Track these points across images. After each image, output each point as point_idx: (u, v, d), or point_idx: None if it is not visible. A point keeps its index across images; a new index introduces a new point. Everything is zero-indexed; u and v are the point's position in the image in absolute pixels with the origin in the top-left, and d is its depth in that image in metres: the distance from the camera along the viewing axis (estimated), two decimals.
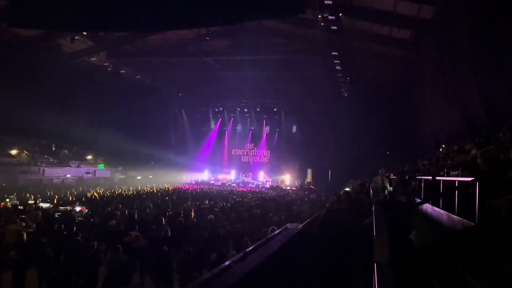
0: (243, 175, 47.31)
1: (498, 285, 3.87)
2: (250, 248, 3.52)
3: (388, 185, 10.65)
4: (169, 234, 11.44)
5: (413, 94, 27.26)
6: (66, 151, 36.16)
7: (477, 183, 5.37)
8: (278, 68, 32.91)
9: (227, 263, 2.97)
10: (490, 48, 12.63)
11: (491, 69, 12.85)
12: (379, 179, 10.56)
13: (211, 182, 46.21)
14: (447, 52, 17.28)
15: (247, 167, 48.73)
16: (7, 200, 19.05)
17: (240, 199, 23.60)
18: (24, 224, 11.85)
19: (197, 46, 31.71)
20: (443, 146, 18.02)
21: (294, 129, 46.64)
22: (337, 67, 29.40)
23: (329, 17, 21.66)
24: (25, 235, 10.29)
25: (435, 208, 8.12)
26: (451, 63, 16.79)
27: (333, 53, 26.37)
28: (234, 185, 43.26)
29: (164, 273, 9.31)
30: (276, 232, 4.80)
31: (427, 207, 9.01)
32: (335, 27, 22.55)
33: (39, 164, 31.94)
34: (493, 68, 12.64)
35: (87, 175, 36.58)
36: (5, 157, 30.15)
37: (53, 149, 35.34)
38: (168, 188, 31.92)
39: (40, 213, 14.67)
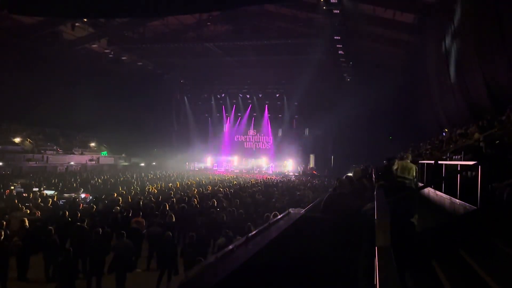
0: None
1: (500, 268, 3.89)
2: (253, 233, 3.55)
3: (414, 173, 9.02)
4: (174, 219, 11.53)
5: (416, 78, 27.05)
6: (62, 139, 36.21)
7: (480, 166, 5.36)
8: (280, 53, 32.67)
9: (229, 247, 2.99)
10: (494, 31, 12.47)
11: (495, 52, 12.71)
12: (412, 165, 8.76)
13: (214, 168, 46.40)
14: (450, 35, 17.07)
15: (250, 153, 48.82)
16: (12, 187, 19.22)
17: (244, 184, 23.69)
18: (28, 211, 11.97)
19: (199, 32, 31.46)
20: (446, 130, 17.96)
21: (296, 115, 46.41)
22: (340, 52, 29.14)
23: (332, 1, 21.38)
24: (26, 221, 10.40)
25: (438, 192, 8.14)
26: (454, 46, 16.60)
27: (335, 37, 26.11)
28: (237, 171, 43.44)
29: (168, 258, 9.41)
30: (279, 217, 4.83)
31: (430, 191, 9.03)
32: (338, 11, 22.28)
33: (42, 151, 32.08)
34: (497, 51, 12.50)
35: (91, 163, 36.74)
36: (9, 145, 30.28)
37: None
38: (173, 175, 32.10)
39: (45, 200, 14.79)
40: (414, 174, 9.37)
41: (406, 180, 8.96)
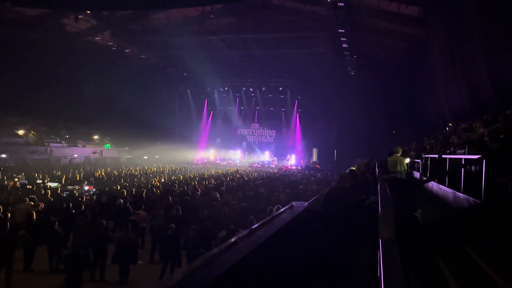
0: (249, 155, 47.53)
1: (504, 263, 3.88)
2: (256, 225, 3.55)
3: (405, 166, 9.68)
4: (180, 213, 11.56)
5: (420, 72, 26.91)
6: (65, 131, 36.33)
7: (484, 161, 5.33)
8: (283, 46, 32.54)
9: (233, 239, 2.99)
10: (500, 24, 12.36)
11: (500, 46, 12.60)
12: (401, 158, 9.44)
13: (216, 161, 46.44)
14: (455, 28, 16.94)
15: (252, 147, 48.80)
16: (16, 179, 19.30)
17: (246, 178, 23.73)
18: (32, 204, 12.03)
19: (202, 25, 31.33)
20: (450, 124, 17.88)
21: (299, 108, 46.33)
22: (344, 45, 28.94)
23: None
24: (34, 214, 10.47)
25: (441, 186, 8.11)
26: (459, 39, 16.47)
27: (339, 30, 25.90)
28: (240, 164, 43.49)
29: (172, 250, 9.45)
30: (282, 210, 4.83)
31: (433, 185, 9.01)
32: (342, 4, 22.10)
33: (46, 144, 32.19)
34: (503, 44, 12.39)
35: (94, 155, 36.86)
36: (13, 137, 30.41)
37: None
38: (176, 168, 32.19)
39: (48, 192, 14.86)
40: (405, 166, 9.44)
41: (397, 174, 9.04)
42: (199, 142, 47.74)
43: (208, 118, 49.59)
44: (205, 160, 46.95)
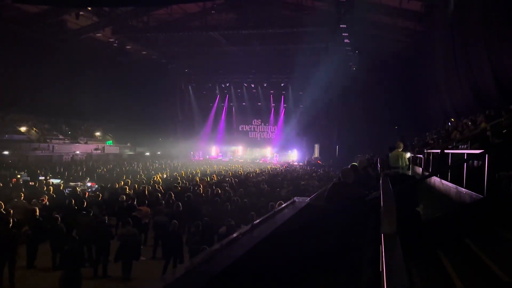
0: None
1: (506, 257, 3.88)
2: (258, 220, 3.54)
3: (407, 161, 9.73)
4: (181, 209, 11.58)
5: (423, 67, 26.79)
6: (67, 128, 36.35)
7: (486, 155, 5.32)
8: (285, 42, 32.44)
9: (234, 235, 2.99)
10: (502, 20, 12.29)
11: (503, 40, 12.53)
12: (402, 153, 9.50)
13: (218, 157, 46.46)
14: (458, 23, 16.84)
15: (254, 143, 48.78)
16: (19, 176, 19.35)
17: (250, 175, 23.71)
18: (35, 201, 12.03)
19: (203, 21, 31.25)
20: (452, 119, 17.82)
21: (301, 104, 46.28)
22: (346, 40, 28.83)
23: None
24: (37, 210, 10.49)
25: (444, 181, 8.10)
26: (462, 34, 16.39)
27: (341, 25, 25.78)
28: (242, 161, 43.51)
29: (174, 246, 9.47)
30: (283, 205, 4.82)
31: (436, 180, 8.99)
32: None
33: (48, 140, 32.23)
34: (505, 39, 12.32)
35: (96, 152, 36.89)
36: (15, 134, 30.43)
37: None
38: (178, 164, 32.22)
39: (50, 189, 14.88)
40: (407, 161, 9.45)
41: (398, 169, 9.05)
42: (201, 139, 47.67)
43: (209, 114, 49.48)
44: (207, 156, 47.00)
